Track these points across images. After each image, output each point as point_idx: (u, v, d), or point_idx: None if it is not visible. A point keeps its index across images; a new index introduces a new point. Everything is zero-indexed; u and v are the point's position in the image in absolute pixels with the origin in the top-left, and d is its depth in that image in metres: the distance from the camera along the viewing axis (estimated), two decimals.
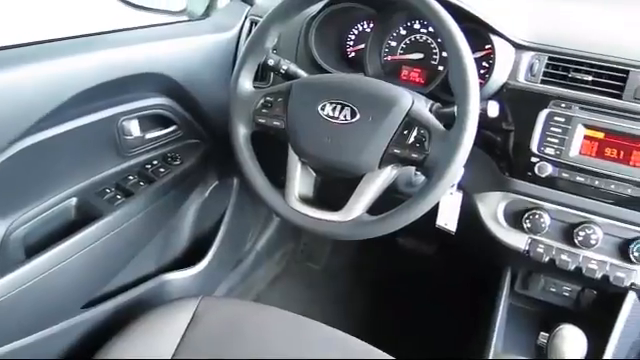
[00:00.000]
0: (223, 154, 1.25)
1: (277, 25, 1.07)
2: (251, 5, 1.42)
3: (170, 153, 1.37)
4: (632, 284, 1.07)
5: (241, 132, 1.08)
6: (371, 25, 1.30)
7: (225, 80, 1.26)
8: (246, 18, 1.40)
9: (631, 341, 1.23)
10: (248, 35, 1.33)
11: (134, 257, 1.33)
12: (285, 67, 1.13)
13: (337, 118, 1.00)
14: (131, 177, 1.28)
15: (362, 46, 1.30)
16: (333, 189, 1.04)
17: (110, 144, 1.24)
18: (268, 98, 1.07)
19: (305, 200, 1.05)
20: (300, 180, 1.05)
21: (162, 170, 1.33)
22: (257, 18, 1.36)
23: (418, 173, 1.12)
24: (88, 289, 1.24)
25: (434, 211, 1.13)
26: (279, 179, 1.07)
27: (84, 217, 1.17)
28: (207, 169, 1.51)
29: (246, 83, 1.09)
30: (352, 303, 1.84)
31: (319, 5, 1.24)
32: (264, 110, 1.07)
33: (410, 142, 0.96)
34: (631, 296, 1.13)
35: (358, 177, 1.01)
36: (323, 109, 1.01)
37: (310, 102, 1.02)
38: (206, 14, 1.39)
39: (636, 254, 1.05)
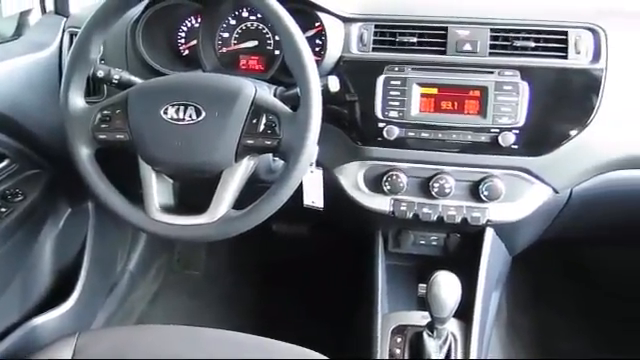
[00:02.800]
0: (70, 179, 1.17)
1: (98, 33, 1.01)
2: (66, 17, 1.32)
3: (8, 190, 1.26)
4: (488, 221, 1.16)
5: (83, 153, 1.01)
6: (199, 19, 1.27)
7: (54, 101, 1.16)
8: (64, 31, 1.30)
9: (497, 272, 1.34)
10: (70, 49, 1.24)
11: None
12: (117, 76, 1.07)
13: (182, 120, 0.97)
14: None
15: (194, 42, 1.27)
16: (194, 192, 1.02)
17: None
18: (105, 112, 1.01)
19: (167, 209, 1.01)
20: (158, 189, 1.01)
21: (3, 210, 1.21)
22: (76, 29, 1.27)
23: (276, 159, 1.13)
24: None
25: (300, 192, 1.15)
26: (138, 193, 1.02)
27: None
28: (56, 198, 1.40)
29: (77, 100, 1.02)
30: (239, 301, 1.82)
31: (140, 7, 1.18)
32: (103, 125, 1.01)
33: (261, 130, 0.96)
34: (489, 232, 1.23)
35: (217, 175, 0.99)
36: (166, 113, 0.97)
37: (151, 108, 0.98)
38: (18, 33, 1.28)
39: (486, 193, 1.14)
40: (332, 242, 1.80)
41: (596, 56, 1.10)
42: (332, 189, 1.20)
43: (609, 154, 1.14)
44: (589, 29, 1.11)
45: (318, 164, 1.14)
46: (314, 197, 1.19)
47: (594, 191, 1.18)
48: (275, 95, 1.07)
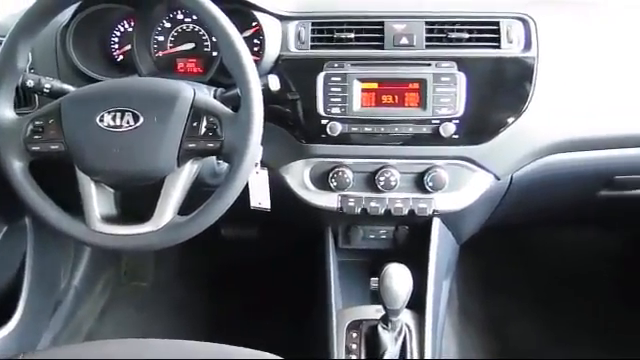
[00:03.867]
0: (2, 195, 1.11)
1: (25, 41, 0.97)
2: None
3: None
4: (434, 211, 1.18)
5: (16, 166, 0.97)
6: (132, 23, 1.24)
7: None
8: None
9: (446, 261, 1.37)
10: None
11: None
12: (48, 85, 1.04)
13: (120, 126, 0.94)
14: None
15: (128, 47, 1.23)
16: (137, 200, 0.99)
17: None
18: (37, 122, 0.97)
19: (109, 219, 0.98)
20: (98, 200, 0.98)
21: None
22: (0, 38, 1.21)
23: (220, 161, 1.11)
24: None
25: (246, 194, 1.14)
26: (79, 205, 0.99)
27: None
28: None
29: (6, 111, 0.98)
30: (191, 308, 1.79)
31: (69, 12, 1.14)
32: (36, 136, 0.97)
33: (202, 133, 0.94)
34: (436, 222, 1.25)
35: (160, 181, 0.97)
36: (102, 120, 0.94)
37: (86, 116, 0.95)
38: None
39: (430, 184, 1.16)
40: (282, 242, 1.79)
41: (527, 45, 1.13)
42: (279, 189, 1.19)
43: (545, 139, 1.17)
44: (519, 19, 1.14)
45: (263, 164, 1.14)
46: (261, 198, 1.18)
47: (533, 175, 1.21)
48: (215, 97, 1.05)
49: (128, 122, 0.94)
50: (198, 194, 0.99)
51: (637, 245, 1.91)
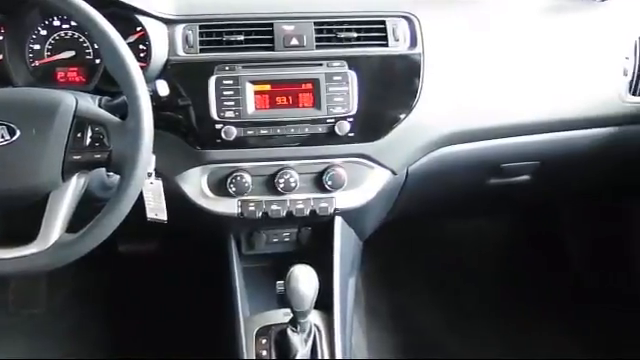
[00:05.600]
0: None
1: None
2: None
3: None
4: (335, 209, 1.19)
5: None
6: (2, 31, 1.15)
7: None
8: None
9: (350, 258, 1.38)
10: None
11: None
12: None
13: None
14: None
15: (0, 57, 1.14)
16: (20, 219, 0.92)
17: None
18: None
19: None
20: None
21: None
22: None
23: (110, 173, 1.05)
24: None
25: (141, 206, 1.09)
26: None
27: None
28: None
29: None
30: (91, 332, 1.69)
31: None
32: None
33: (88, 144, 0.90)
34: (338, 220, 1.25)
35: (44, 198, 0.90)
36: None
37: None
38: None
39: (330, 182, 1.16)
40: (185, 254, 1.74)
41: (413, 42, 1.17)
42: (176, 199, 1.15)
43: (436, 132, 1.22)
44: (404, 17, 1.18)
45: (157, 174, 1.09)
46: (157, 210, 1.13)
47: (427, 168, 1.25)
48: (100, 105, 1.00)
49: (2, 136, 0.87)
50: (89, 210, 0.93)
51: (522, 230, 2.05)
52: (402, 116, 1.16)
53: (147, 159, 0.90)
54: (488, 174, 1.39)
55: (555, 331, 1.74)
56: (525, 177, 1.43)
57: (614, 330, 1.70)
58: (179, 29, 1.12)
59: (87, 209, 0.94)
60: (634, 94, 1.29)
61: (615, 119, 1.32)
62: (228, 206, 1.17)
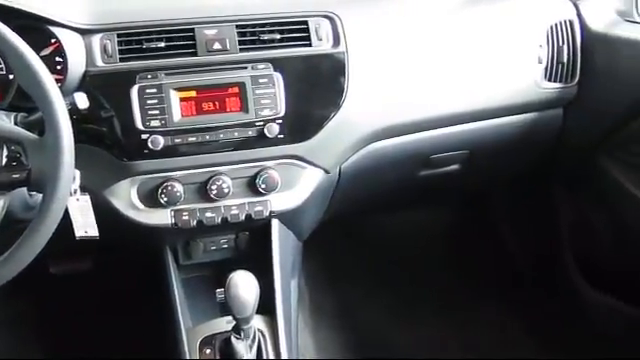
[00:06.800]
0: None
1: None
2: None
3: None
4: (271, 212, 1.18)
5: None
6: None
7: None
8: None
9: (290, 260, 1.38)
10: None
11: None
12: None
13: None
14: None
15: None
16: None
17: None
18: None
19: None
20: None
21: None
22: None
23: (33, 193, 1.01)
24: None
25: (69, 224, 1.05)
26: None
27: None
28: None
29: None
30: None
31: None
32: None
33: (4, 163, 0.86)
34: (275, 223, 1.25)
35: None
36: None
37: None
38: None
39: (263, 186, 1.16)
40: (122, 270, 1.68)
41: (336, 41, 1.17)
42: (106, 213, 1.12)
43: (366, 128, 1.23)
44: (326, 17, 1.18)
45: (84, 190, 1.05)
46: (86, 226, 1.10)
47: (359, 164, 1.27)
48: (16, 123, 0.96)
49: None
50: (13, 232, 0.89)
51: (460, 220, 2.10)
52: (331, 115, 1.17)
53: (69, 175, 0.87)
54: (418, 166, 1.42)
55: (495, 312, 1.80)
56: (455, 167, 1.47)
57: (548, 310, 1.78)
58: (96, 39, 1.09)
59: (11, 232, 0.90)
60: (549, 80, 1.36)
61: (533, 105, 1.38)
62: (161, 217, 1.14)
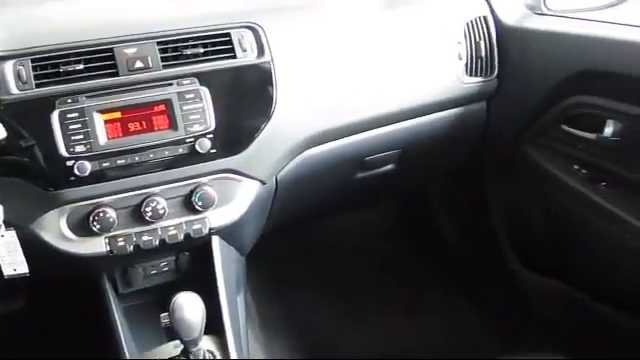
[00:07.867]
0: None
1: None
2: None
3: None
4: (210, 229, 1.16)
5: None
6: None
7: None
8: None
9: (234, 275, 1.36)
10: None
11: None
12: None
13: None
14: None
15: None
16: None
17: None
18: None
19: None
20: None
21: None
22: None
23: None
24: None
25: None
26: None
27: None
28: None
29: None
30: None
31: None
32: None
33: None
34: (215, 239, 1.22)
35: None
36: None
37: None
38: None
39: (200, 203, 1.13)
40: (58, 306, 1.61)
41: (260, 51, 1.17)
42: (35, 247, 1.06)
43: (298, 135, 1.23)
44: (248, 27, 1.18)
45: (9, 225, 1.00)
46: (15, 263, 1.04)
47: (296, 172, 1.27)
48: None
49: None
50: None
51: (402, 218, 2.14)
52: (262, 125, 1.16)
53: None
54: (354, 169, 1.44)
55: (441, 302, 1.85)
56: (390, 166, 1.49)
57: (492, 296, 1.83)
58: (9, 65, 1.03)
59: None
60: (470, 75, 1.40)
61: (458, 100, 1.42)
62: (95, 245, 1.09)
